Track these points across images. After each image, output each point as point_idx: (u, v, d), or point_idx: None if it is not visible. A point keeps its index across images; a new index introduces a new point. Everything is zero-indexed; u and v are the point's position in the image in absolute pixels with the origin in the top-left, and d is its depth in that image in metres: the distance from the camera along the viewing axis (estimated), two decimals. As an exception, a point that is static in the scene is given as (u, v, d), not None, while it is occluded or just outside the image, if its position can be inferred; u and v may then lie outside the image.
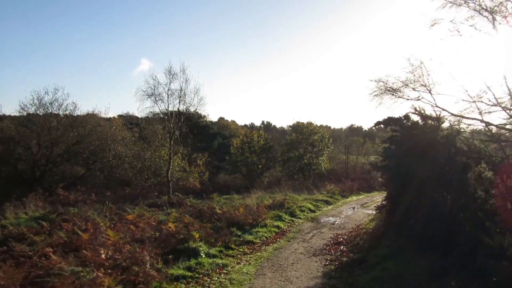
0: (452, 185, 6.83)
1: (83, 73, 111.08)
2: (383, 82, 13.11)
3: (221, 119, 66.41)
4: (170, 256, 7.99)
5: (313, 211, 17.76)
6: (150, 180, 28.83)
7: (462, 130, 10.36)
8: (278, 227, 13.53)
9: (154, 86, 21.82)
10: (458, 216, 6.71)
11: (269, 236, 12.28)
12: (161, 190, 25.51)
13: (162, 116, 22.89)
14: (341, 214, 17.55)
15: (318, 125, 36.71)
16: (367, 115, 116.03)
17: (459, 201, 6.75)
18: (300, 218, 15.79)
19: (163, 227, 10.51)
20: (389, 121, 9.11)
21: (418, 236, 7.25)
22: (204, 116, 62.25)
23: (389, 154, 9.54)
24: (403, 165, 8.09)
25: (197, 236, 10.14)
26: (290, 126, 42.01)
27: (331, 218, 16.34)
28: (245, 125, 59.32)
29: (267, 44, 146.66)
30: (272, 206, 16.51)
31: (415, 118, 8.95)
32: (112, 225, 10.35)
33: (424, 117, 8.45)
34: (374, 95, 13.75)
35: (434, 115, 10.47)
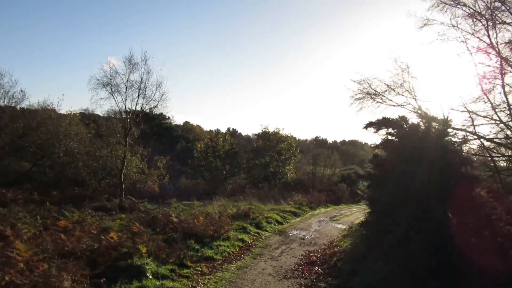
0: (465, 203, 5.57)
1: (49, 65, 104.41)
2: (368, 83, 11.98)
3: (186, 123, 64.02)
4: (102, 279, 6.07)
5: (281, 223, 16.26)
6: (105, 181, 26.25)
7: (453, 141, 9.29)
8: (242, 240, 11.86)
9: (111, 76, 19.57)
10: (470, 241, 5.41)
11: (232, 252, 10.58)
12: (115, 192, 23.11)
13: (118, 109, 20.58)
14: (311, 227, 16.15)
15: (286, 134, 35.49)
16: (332, 128, 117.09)
17: (471, 222, 5.48)
18: (267, 231, 14.21)
19: (103, 237, 8.54)
20: (384, 122, 7.78)
21: (418, 262, 5.90)
22: (168, 117, 59.71)
23: (380, 162, 8.20)
24: (401, 175, 6.76)
25: (144, 250, 8.29)
26: (255, 134, 40.58)
27: (300, 231, 14.88)
28: (211, 131, 57.24)
29: (237, 49, 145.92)
30: (236, 216, 14.83)
31: (414, 120, 7.74)
32: (37, 233, 8.28)
33: (429, 119, 7.21)
34: (356, 99, 12.58)
35: (420, 122, 9.35)
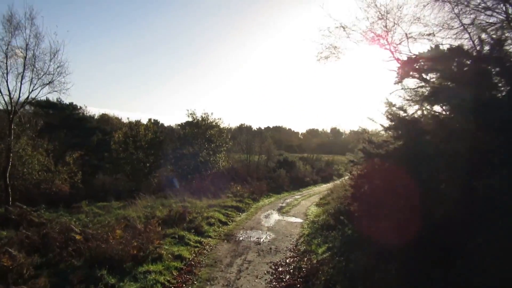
0: None
1: None
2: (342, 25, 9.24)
3: (103, 115, 56.96)
4: None
5: (225, 223, 13.02)
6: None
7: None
8: (181, 258, 8.38)
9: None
10: None
11: (169, 281, 7.10)
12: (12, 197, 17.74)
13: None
14: (261, 225, 13.19)
15: (215, 118, 31.95)
16: (254, 115, 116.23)
17: None
18: (211, 237, 10.88)
19: None
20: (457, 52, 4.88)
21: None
22: (80, 107, 52.23)
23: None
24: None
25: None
26: (179, 125, 36.17)
27: (251, 233, 11.82)
28: (130, 122, 51.52)
29: (159, 36, 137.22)
30: (169, 221, 11.27)
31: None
32: None
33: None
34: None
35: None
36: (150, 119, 32.21)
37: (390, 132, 6.59)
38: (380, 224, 6.12)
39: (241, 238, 10.93)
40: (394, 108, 6.52)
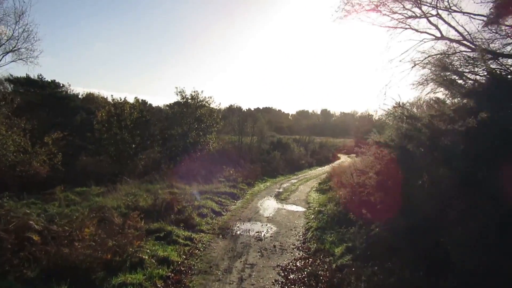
0: None
1: None
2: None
3: (89, 94, 54.17)
4: None
5: (219, 213, 11.43)
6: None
7: None
8: (167, 262, 6.75)
9: None
10: None
11: (150, 298, 5.51)
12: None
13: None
14: (260, 215, 11.66)
15: (206, 97, 29.84)
16: (244, 96, 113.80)
17: None
18: (203, 231, 9.28)
19: None
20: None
21: None
22: (63, 85, 49.43)
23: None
24: None
25: None
26: (167, 105, 33.64)
27: (250, 225, 10.27)
28: (115, 100, 49.24)
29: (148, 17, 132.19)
30: (153, 212, 9.61)
31: None
32: None
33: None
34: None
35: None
36: (136, 97, 29.97)
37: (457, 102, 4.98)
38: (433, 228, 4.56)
39: (238, 232, 9.36)
40: (447, 73, 4.88)
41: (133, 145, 28.60)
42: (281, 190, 17.70)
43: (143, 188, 14.76)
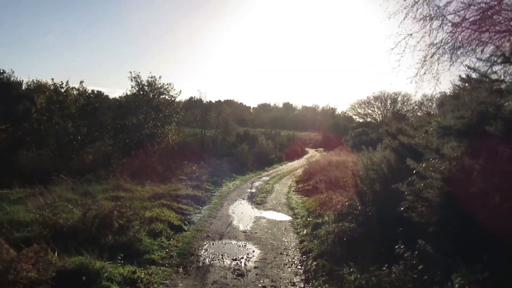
0: None
1: None
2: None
3: (36, 81, 48.08)
4: None
5: (179, 229, 8.33)
6: None
7: None
8: None
9: None
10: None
11: None
12: None
13: None
14: (234, 228, 8.75)
15: (164, 83, 26.17)
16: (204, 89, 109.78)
17: None
18: (155, 262, 6.19)
19: None
20: None
21: None
22: (4, 71, 43.37)
23: None
24: None
25: None
26: (121, 97, 28.96)
27: (222, 246, 7.33)
28: (55, 84, 44.09)
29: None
30: (80, 232, 6.40)
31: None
32: None
33: None
34: None
35: None
36: (81, 82, 25.39)
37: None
38: None
39: (207, 261, 6.38)
40: None
41: (79, 137, 24.44)
42: (254, 190, 14.85)
43: (80, 190, 11.37)
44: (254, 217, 10.08)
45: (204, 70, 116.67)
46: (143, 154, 22.06)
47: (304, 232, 8.23)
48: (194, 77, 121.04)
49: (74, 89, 24.98)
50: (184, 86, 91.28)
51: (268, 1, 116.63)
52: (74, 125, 23.88)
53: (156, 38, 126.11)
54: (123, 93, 25.40)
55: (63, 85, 24.08)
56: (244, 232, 8.44)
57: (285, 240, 7.92)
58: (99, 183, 13.37)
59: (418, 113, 41.67)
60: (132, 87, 26.04)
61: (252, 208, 11.41)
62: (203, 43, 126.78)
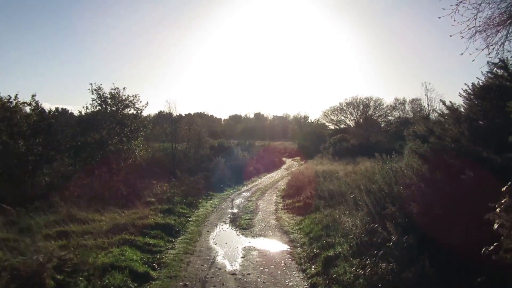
0: None
1: None
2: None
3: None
4: None
5: (145, 277, 6.11)
6: None
7: None
8: None
9: None
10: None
11: None
12: None
13: None
14: (220, 269, 6.66)
15: (129, 94, 23.60)
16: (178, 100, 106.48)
17: None
18: None
19: None
20: None
21: None
22: None
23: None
24: None
25: None
26: (81, 112, 25.86)
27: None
28: (1, 99, 40.14)
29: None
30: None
31: None
32: None
33: None
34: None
35: None
36: (33, 95, 22.17)
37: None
38: None
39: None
40: None
41: (31, 158, 21.39)
42: (236, 210, 12.81)
43: (21, 225, 8.98)
44: (242, 248, 8.02)
45: (174, 85, 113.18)
46: (107, 173, 19.45)
47: (313, 270, 6.25)
48: (163, 92, 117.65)
49: (26, 104, 21.98)
50: (154, 101, 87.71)
51: (237, 14, 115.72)
52: (26, 144, 20.91)
53: (124, 54, 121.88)
54: (83, 107, 22.57)
55: (12, 100, 21.10)
56: (233, 274, 6.38)
57: (291, 284, 5.92)
58: (49, 212, 11.01)
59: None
60: (93, 100, 23.21)
61: (238, 234, 9.37)
62: (173, 58, 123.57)
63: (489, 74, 6.07)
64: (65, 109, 39.94)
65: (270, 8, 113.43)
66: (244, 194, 17.08)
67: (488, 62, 5.99)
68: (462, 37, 5.57)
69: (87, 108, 24.48)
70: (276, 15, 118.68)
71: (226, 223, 10.72)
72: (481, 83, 6.17)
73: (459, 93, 6.35)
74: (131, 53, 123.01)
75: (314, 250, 7.01)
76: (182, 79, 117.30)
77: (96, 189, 15.52)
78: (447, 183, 4.89)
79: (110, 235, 8.10)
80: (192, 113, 71.23)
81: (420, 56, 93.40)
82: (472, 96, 6.17)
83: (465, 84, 6.22)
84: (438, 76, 79.07)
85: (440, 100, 6.21)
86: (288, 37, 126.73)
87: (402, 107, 43.29)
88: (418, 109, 39.68)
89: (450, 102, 6.29)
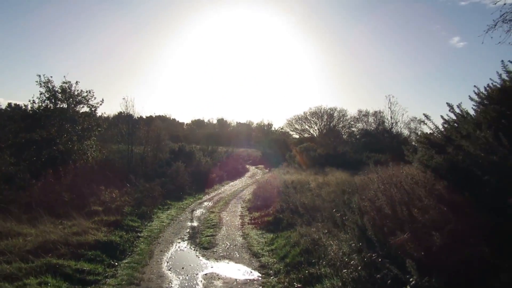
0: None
1: None
2: None
3: None
4: None
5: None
6: None
7: None
8: None
9: None
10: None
11: None
12: None
13: None
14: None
15: (82, 90, 21.22)
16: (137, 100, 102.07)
17: None
18: None
19: None
20: None
21: None
22: None
23: None
24: None
25: None
26: (27, 105, 22.85)
27: None
28: None
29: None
30: None
31: None
32: None
33: None
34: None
35: None
36: None
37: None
38: None
39: None
40: None
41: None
42: (196, 223, 11.20)
43: None
44: (202, 276, 6.48)
45: (136, 86, 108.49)
46: (52, 175, 17.06)
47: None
48: (126, 94, 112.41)
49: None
50: (114, 102, 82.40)
51: (205, 23, 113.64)
52: (-44, 140, 18.22)
53: (90, 54, 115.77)
54: (29, 101, 19.94)
55: None
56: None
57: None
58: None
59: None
60: (41, 94, 20.55)
61: (198, 256, 7.80)
62: (137, 60, 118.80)
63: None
64: (18, 104, 36.23)
65: (236, 18, 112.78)
66: (205, 203, 15.46)
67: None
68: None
69: (33, 102, 21.71)
70: (242, 26, 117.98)
71: (184, 240, 9.11)
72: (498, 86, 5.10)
73: (469, 96, 5.22)
74: (97, 52, 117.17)
75: (295, 284, 5.59)
76: (145, 80, 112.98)
77: (36, 193, 13.37)
78: (481, 209, 3.68)
79: (31, 258, 6.28)
80: (154, 116, 68.38)
81: (382, 69, 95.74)
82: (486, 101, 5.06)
83: (475, 86, 5.12)
84: (398, 88, 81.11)
85: (447, 103, 5.00)
86: (254, 46, 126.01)
87: (366, 119, 43.43)
88: (381, 121, 39.94)
89: (458, 106, 5.15)
